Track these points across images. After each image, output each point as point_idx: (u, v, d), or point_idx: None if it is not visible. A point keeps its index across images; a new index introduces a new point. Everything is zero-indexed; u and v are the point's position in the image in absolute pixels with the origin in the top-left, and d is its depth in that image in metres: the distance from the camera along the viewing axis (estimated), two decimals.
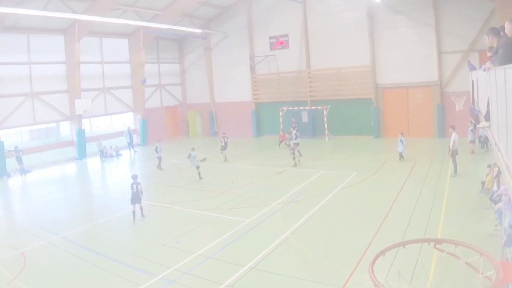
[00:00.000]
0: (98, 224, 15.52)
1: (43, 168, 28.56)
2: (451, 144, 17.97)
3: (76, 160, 30.85)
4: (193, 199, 17.84)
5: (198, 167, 21.67)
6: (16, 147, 26.83)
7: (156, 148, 25.21)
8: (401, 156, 21.94)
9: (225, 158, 25.87)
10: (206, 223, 14.70)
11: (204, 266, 10.97)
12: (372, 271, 3.41)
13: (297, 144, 25.07)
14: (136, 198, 15.73)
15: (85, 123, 35.79)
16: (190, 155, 21.71)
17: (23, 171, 26.64)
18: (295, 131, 25.64)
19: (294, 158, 23.13)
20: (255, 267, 10.58)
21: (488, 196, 14.06)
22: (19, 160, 26.42)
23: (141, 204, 15.96)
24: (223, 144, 25.93)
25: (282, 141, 29.85)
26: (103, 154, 30.59)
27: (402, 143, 21.58)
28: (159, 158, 24.95)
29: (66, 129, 39.11)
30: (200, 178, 21.39)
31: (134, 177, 16.17)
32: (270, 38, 34.77)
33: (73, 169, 28.86)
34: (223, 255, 11.54)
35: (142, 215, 15.90)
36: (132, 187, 15.77)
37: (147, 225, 15.39)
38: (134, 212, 15.71)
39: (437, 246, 3.96)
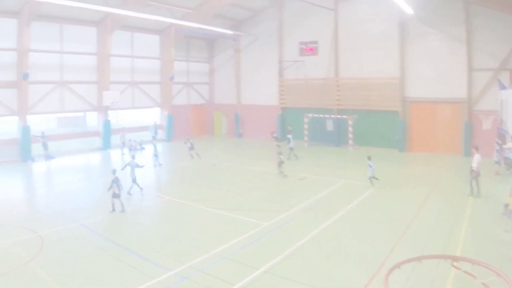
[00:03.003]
0: (117, 214, 15.79)
1: (68, 156, 29.29)
2: (475, 165, 17.37)
3: (101, 150, 31.40)
4: (213, 198, 17.95)
5: (134, 180, 19.01)
6: (42, 133, 27.50)
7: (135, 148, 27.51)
8: (371, 179, 19.99)
9: (192, 156, 26.84)
10: (224, 223, 14.79)
11: (218, 265, 11.03)
12: (387, 283, 3.40)
13: (291, 149, 26.54)
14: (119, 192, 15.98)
15: (112, 115, 36.37)
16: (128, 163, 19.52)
17: (48, 157, 27.24)
18: (289, 136, 27.24)
19: (281, 172, 22.17)
20: (269, 271, 10.58)
21: (510, 218, 13.77)
22: (45, 146, 27.11)
23: (121, 200, 16.16)
24: (189, 145, 27.04)
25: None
26: (127, 147, 30.97)
27: (370, 167, 19.92)
28: (133, 156, 25.66)
29: (93, 119, 39.97)
30: (140, 187, 19.18)
31: (114, 172, 16.31)
32: (300, 43, 34.76)
33: (97, 159, 29.44)
34: (238, 256, 11.59)
35: (123, 210, 16.01)
36: (117, 182, 15.83)
37: (165, 220, 15.66)
38: (121, 204, 16.03)
39: (454, 263, 3.92)
